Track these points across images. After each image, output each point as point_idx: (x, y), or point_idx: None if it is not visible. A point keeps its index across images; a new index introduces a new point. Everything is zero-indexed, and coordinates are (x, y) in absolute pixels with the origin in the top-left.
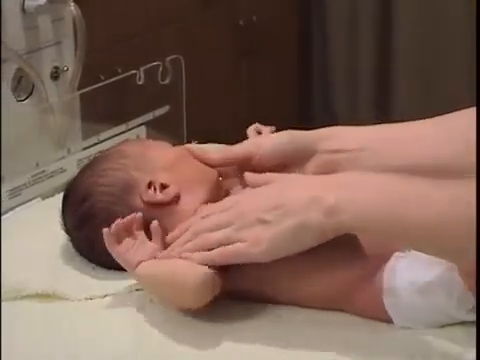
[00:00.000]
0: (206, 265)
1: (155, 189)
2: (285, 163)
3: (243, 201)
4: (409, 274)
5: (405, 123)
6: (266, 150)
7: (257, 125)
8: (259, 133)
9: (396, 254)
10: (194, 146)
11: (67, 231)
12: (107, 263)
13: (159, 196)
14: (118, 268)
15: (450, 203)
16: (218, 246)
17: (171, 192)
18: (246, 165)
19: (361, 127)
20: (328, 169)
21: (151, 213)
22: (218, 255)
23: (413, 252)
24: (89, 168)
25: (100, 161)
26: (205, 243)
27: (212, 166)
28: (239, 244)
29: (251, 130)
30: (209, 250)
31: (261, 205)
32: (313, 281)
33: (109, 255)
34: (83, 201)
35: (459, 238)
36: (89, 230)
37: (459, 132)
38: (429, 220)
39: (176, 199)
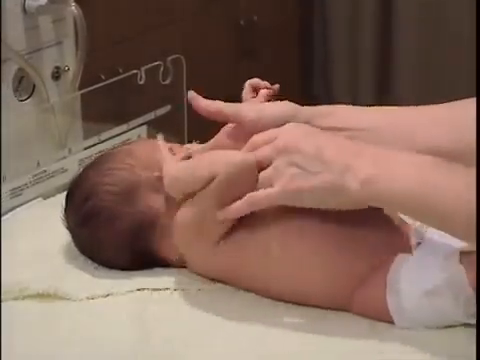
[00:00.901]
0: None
1: None
2: None
3: (285, 136)
4: (414, 276)
5: (412, 107)
6: (268, 120)
7: (256, 80)
8: (255, 90)
9: (401, 255)
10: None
11: (69, 228)
12: (109, 262)
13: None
14: (120, 268)
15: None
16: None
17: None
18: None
19: (364, 107)
20: None
21: (156, 212)
22: (244, 205)
23: (418, 254)
24: (95, 166)
25: (106, 159)
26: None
27: (248, 127)
28: (266, 190)
29: (248, 85)
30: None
31: (303, 148)
32: (315, 277)
33: (111, 253)
34: (86, 200)
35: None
36: (92, 228)
37: (461, 122)
38: (462, 209)
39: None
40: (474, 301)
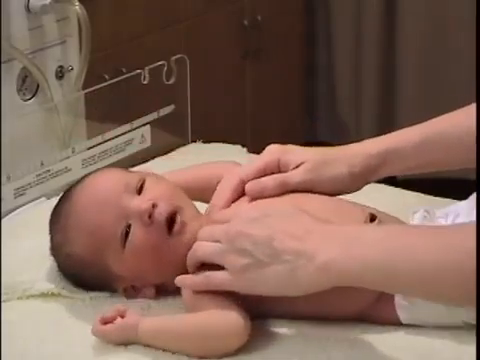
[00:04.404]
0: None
1: (134, 288)
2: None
3: (237, 221)
4: None
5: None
6: (325, 186)
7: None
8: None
9: None
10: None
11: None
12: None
13: (142, 295)
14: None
15: (448, 251)
16: (202, 260)
17: (149, 292)
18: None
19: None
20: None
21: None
22: (202, 284)
23: None
24: (66, 216)
25: (77, 216)
26: (192, 257)
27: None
28: (221, 276)
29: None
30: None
31: (253, 233)
32: (329, 307)
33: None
34: (60, 253)
35: (459, 285)
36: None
37: None
38: (427, 269)
39: (158, 289)
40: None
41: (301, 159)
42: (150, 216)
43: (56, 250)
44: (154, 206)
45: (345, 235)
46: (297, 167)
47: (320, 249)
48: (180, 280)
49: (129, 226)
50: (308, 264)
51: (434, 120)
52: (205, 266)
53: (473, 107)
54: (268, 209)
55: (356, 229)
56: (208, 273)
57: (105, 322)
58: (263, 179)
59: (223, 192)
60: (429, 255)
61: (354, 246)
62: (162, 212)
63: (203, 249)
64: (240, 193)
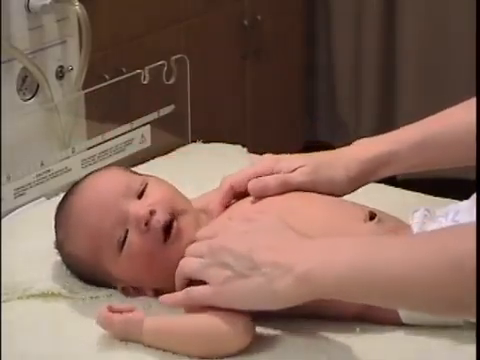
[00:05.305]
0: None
1: (134, 288)
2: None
3: (221, 236)
4: None
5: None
6: (323, 188)
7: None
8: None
9: None
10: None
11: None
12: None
13: (143, 294)
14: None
15: (446, 252)
16: (189, 277)
17: (148, 292)
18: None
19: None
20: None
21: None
22: (184, 299)
23: None
24: (71, 213)
25: (81, 214)
26: (180, 274)
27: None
28: (202, 290)
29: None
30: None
31: (234, 248)
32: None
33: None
34: (62, 248)
35: (458, 285)
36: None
37: None
38: (425, 275)
39: (157, 291)
40: None
41: (297, 164)
42: (147, 223)
43: (59, 246)
44: (152, 213)
45: (328, 245)
46: (294, 170)
47: (299, 261)
48: (163, 299)
49: (127, 231)
50: (286, 275)
51: (433, 117)
52: (193, 283)
53: (472, 102)
54: (253, 224)
55: (341, 239)
56: (189, 288)
57: (112, 311)
58: (265, 178)
59: (214, 202)
60: (425, 258)
61: (338, 254)
62: (160, 219)
63: (189, 265)
64: (230, 201)
